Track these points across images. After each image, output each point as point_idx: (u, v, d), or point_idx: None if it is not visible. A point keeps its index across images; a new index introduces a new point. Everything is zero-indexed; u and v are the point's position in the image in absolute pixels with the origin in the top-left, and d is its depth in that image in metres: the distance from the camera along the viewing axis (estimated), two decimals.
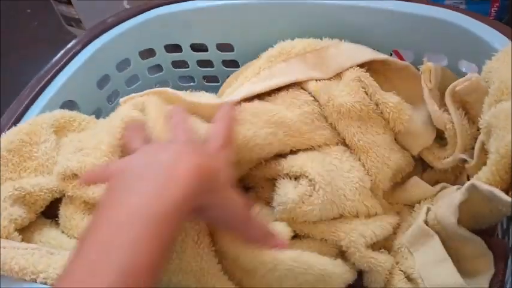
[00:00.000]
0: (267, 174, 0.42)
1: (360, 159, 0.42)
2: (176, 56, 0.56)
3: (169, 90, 0.43)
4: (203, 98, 0.45)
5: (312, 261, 0.34)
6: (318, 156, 0.41)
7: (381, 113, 0.42)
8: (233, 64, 0.55)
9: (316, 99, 0.43)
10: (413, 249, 0.37)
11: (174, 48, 0.55)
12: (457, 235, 0.34)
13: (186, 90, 0.55)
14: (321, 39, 0.47)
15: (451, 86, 0.40)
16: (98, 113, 0.52)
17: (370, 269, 0.38)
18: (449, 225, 0.33)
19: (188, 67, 0.57)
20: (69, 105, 0.48)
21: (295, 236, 0.40)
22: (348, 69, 0.43)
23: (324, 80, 0.44)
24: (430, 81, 0.41)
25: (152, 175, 0.27)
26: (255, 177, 0.44)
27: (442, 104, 0.42)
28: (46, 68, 0.48)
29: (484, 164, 0.36)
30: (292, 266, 0.33)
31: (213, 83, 0.58)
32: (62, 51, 0.49)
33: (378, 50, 0.48)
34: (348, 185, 0.39)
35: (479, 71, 0.42)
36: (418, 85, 0.43)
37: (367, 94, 0.42)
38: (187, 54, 0.55)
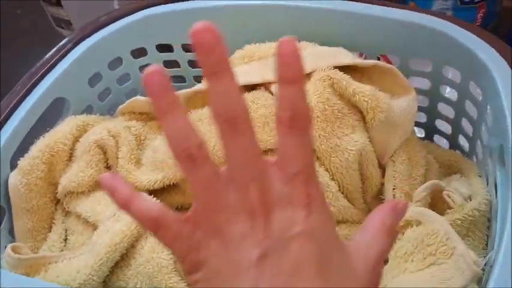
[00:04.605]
0: None
1: (323, 164, 0.41)
2: (167, 55, 0.56)
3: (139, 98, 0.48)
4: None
5: None
6: None
7: (354, 108, 0.41)
8: None
9: None
10: None
11: (166, 48, 0.56)
12: None
13: (177, 90, 0.57)
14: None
15: None
16: (89, 111, 0.52)
17: None
18: None
19: (180, 67, 0.58)
20: (60, 102, 0.49)
21: None
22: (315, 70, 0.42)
23: None
24: None
25: None
26: None
27: None
28: (38, 64, 0.48)
29: None
30: None
31: None
32: (54, 49, 0.49)
33: (366, 54, 0.49)
34: None
35: (462, 77, 0.43)
36: (393, 80, 0.43)
37: (336, 92, 0.41)
38: (178, 55, 0.56)
